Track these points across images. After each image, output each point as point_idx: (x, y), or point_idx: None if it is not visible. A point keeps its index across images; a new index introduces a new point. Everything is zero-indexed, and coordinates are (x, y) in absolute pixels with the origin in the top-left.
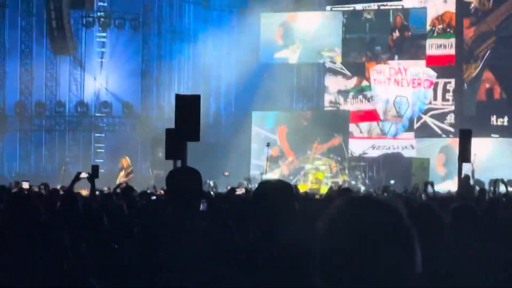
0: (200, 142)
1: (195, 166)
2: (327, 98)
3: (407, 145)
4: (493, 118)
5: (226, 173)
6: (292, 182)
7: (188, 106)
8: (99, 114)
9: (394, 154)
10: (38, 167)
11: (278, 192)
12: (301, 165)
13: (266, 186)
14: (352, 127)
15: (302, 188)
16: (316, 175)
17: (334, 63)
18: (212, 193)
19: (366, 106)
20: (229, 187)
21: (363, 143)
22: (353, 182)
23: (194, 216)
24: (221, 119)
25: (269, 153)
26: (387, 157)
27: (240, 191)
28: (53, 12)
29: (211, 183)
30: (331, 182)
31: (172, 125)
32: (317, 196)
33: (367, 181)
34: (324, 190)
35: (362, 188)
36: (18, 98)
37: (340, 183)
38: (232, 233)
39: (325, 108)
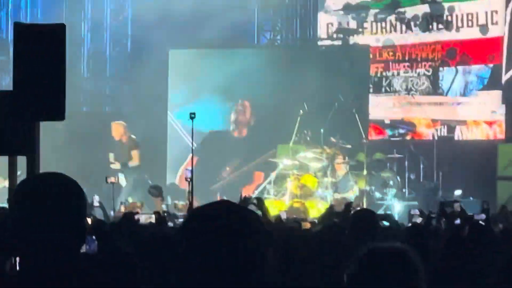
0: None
1: (53, 166)
2: (323, 21)
3: (487, 117)
4: None
5: (112, 179)
6: None
7: (40, 46)
8: None
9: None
10: None
11: (235, 236)
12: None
13: (207, 219)
14: (373, 79)
15: (273, 207)
16: (303, 181)
17: None
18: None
19: (402, 37)
20: (122, 209)
21: (395, 112)
22: (377, 194)
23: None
24: (105, 70)
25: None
26: (445, 141)
27: (146, 218)
28: None
29: (96, 200)
30: (333, 195)
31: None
32: (305, 225)
33: (406, 191)
34: (316, 210)
35: (397, 207)
36: None
37: (353, 198)
38: None
39: (319, 42)
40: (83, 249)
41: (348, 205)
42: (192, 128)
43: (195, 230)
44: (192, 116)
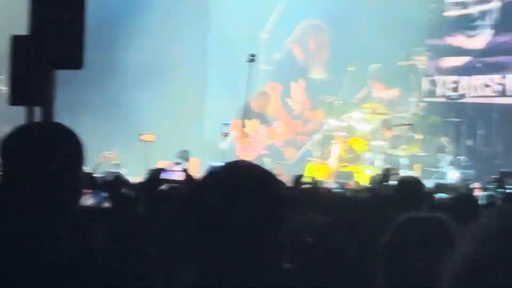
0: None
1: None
2: None
3: None
4: None
5: (146, 137)
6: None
7: None
8: None
9: None
10: None
11: (246, 200)
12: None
13: (220, 179)
14: None
15: (316, 171)
16: (350, 144)
17: None
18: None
19: None
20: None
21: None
22: (431, 160)
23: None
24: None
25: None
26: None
27: (177, 175)
28: None
29: (110, 155)
30: (382, 160)
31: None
32: (348, 186)
33: (461, 158)
34: (363, 176)
35: (452, 175)
36: None
37: (403, 163)
38: None
39: None
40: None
41: (387, 171)
42: (249, 73)
43: (207, 188)
44: (252, 58)
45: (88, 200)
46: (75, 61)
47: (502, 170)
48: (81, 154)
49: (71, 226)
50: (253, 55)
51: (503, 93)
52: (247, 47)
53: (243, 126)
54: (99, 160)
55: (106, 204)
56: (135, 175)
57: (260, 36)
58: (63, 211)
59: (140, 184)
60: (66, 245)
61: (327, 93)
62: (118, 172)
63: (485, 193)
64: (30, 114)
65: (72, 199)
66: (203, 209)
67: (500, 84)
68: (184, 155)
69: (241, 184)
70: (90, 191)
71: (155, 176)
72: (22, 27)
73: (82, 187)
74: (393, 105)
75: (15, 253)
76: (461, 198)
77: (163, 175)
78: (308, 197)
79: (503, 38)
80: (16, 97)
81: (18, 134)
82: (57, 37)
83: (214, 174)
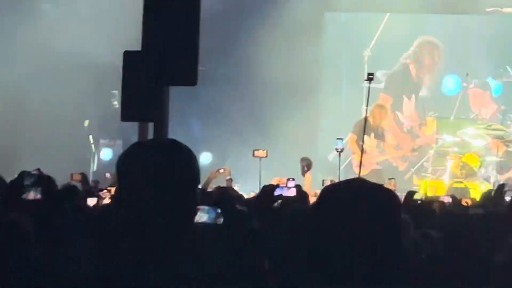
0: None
1: (185, 137)
2: None
3: None
4: None
5: (261, 153)
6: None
7: (173, 3)
8: None
9: None
10: None
11: (365, 217)
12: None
13: (340, 198)
14: None
15: (429, 187)
16: (465, 160)
17: None
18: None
19: None
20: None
21: None
22: None
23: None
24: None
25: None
26: None
27: (289, 192)
28: None
29: (223, 170)
30: (497, 176)
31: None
32: (464, 202)
33: None
34: (479, 192)
35: None
36: None
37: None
38: None
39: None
40: (204, 219)
41: (501, 187)
42: (369, 91)
43: (325, 209)
44: (370, 77)
45: (201, 216)
46: (189, 77)
47: None
48: (196, 171)
49: (187, 243)
50: (371, 74)
51: None
52: (356, 64)
53: (359, 141)
54: (212, 175)
55: (220, 221)
56: (249, 191)
57: (367, 54)
58: (179, 228)
59: (254, 200)
60: (183, 262)
61: (439, 109)
62: (231, 188)
63: None
64: (143, 130)
65: (187, 216)
66: (322, 228)
67: None
68: (306, 162)
69: (362, 204)
70: (204, 207)
71: (268, 192)
72: (135, 42)
73: (197, 204)
74: (505, 120)
75: (130, 270)
76: None
77: (277, 191)
78: (422, 213)
79: None
80: (129, 113)
81: (134, 151)
82: (171, 53)
83: (333, 193)
